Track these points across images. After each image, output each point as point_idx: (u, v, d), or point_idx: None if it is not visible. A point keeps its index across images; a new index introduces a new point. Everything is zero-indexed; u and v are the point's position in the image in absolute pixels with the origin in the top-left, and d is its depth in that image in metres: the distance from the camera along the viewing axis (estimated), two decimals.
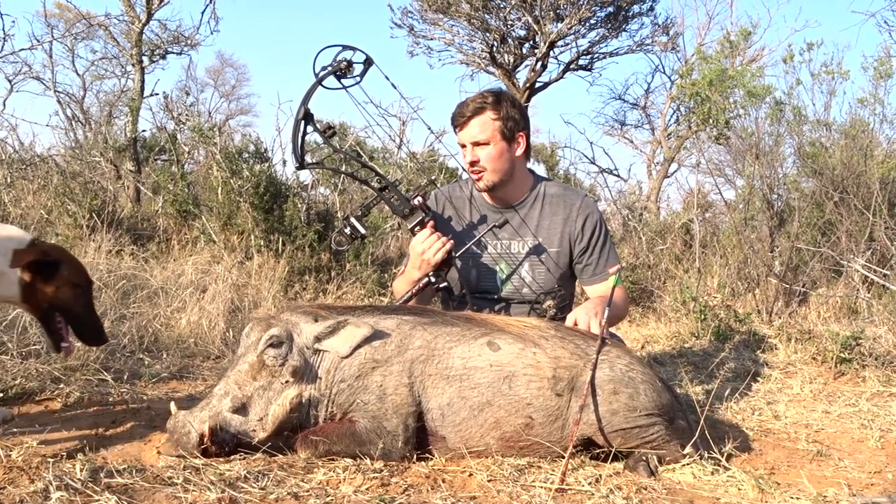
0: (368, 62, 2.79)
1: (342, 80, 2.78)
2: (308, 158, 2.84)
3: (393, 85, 2.99)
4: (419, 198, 2.82)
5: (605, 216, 9.06)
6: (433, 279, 2.80)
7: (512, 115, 2.89)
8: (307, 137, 2.76)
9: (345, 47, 2.76)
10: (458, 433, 2.33)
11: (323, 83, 2.75)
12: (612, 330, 3.12)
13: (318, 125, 2.74)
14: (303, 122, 2.71)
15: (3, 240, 2.23)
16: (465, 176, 3.20)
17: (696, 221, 7.18)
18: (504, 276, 3.03)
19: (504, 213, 3.01)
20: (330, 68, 2.74)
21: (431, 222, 2.82)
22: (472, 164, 2.93)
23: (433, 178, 3.26)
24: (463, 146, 2.97)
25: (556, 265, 3.00)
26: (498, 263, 3.01)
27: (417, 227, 2.82)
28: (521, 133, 2.93)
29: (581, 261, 3.02)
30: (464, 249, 2.87)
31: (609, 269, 2.89)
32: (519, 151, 2.95)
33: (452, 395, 2.33)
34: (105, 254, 4.95)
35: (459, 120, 2.93)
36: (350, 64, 2.76)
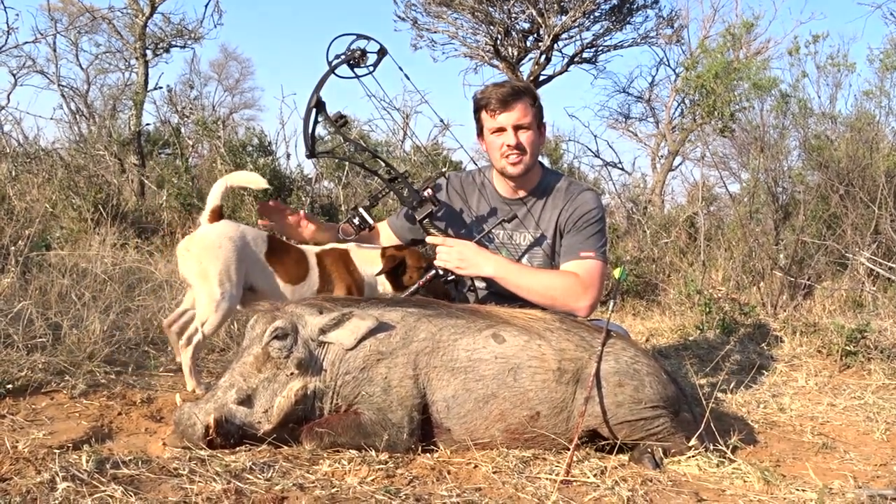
0: (382, 52, 2.77)
1: (355, 70, 2.76)
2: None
3: (406, 76, 2.99)
4: (429, 189, 2.82)
5: (609, 209, 9.03)
6: (441, 272, 2.79)
7: (540, 104, 2.94)
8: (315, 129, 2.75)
9: (359, 36, 2.74)
10: (464, 425, 2.33)
11: (336, 71, 2.73)
12: (617, 322, 3.12)
13: (329, 114, 2.73)
14: (314, 111, 2.70)
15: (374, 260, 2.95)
16: (470, 167, 3.19)
17: (700, 214, 7.15)
18: None
19: (513, 205, 3.00)
20: (343, 57, 2.72)
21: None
22: (516, 147, 2.86)
23: (444, 171, 3.25)
24: (501, 130, 2.88)
25: (552, 255, 2.99)
26: (500, 252, 3.00)
27: (426, 220, 2.82)
28: (544, 121, 2.99)
29: (562, 243, 2.96)
30: (475, 241, 2.86)
31: (582, 252, 2.85)
32: (542, 140, 2.99)
33: (457, 388, 2.33)
34: (110, 247, 4.95)
35: (500, 103, 2.85)
36: (364, 53, 2.74)
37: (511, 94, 2.85)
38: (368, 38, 2.75)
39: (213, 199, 2.83)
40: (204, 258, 2.71)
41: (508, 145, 2.87)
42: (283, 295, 2.82)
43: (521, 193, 3.02)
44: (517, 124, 2.86)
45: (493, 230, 2.94)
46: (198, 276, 2.71)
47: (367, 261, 2.97)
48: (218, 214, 2.83)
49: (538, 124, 2.93)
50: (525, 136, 2.88)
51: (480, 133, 3.00)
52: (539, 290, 2.77)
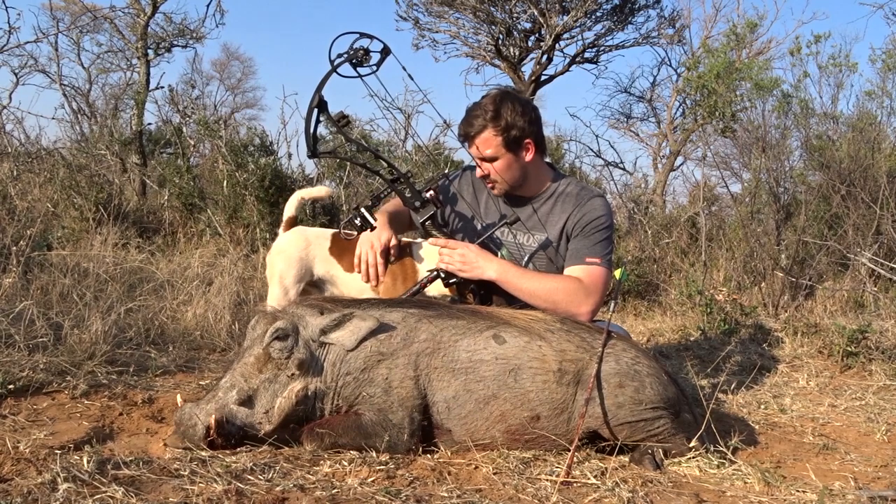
0: (385, 51, 2.74)
1: (358, 69, 2.73)
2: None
3: (409, 75, 2.96)
4: (431, 191, 2.81)
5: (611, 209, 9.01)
6: (443, 274, 2.79)
7: (514, 123, 2.81)
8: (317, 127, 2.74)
9: (362, 35, 2.72)
10: (464, 426, 2.33)
11: (338, 71, 2.70)
12: (618, 322, 3.12)
13: (331, 114, 2.72)
14: (316, 110, 2.68)
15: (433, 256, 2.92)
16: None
17: (702, 215, 7.15)
18: None
19: (520, 207, 2.99)
20: (346, 56, 2.70)
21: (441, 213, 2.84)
22: (485, 177, 2.91)
23: (446, 172, 3.25)
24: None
25: (555, 258, 2.98)
26: (500, 252, 3.00)
27: (428, 222, 2.81)
28: (528, 139, 2.86)
29: (568, 247, 2.95)
30: (477, 243, 2.85)
31: (587, 258, 2.84)
32: (528, 157, 2.88)
33: (458, 388, 2.33)
34: (111, 247, 4.96)
35: (465, 139, 2.91)
36: (367, 52, 2.71)
37: (472, 130, 2.85)
38: (372, 38, 2.72)
39: (288, 210, 3.28)
40: (275, 261, 3.16)
41: (480, 176, 2.95)
42: (343, 283, 3.13)
43: (528, 197, 3.01)
44: (480, 157, 2.89)
45: (497, 232, 2.94)
46: (269, 276, 3.19)
47: (425, 256, 3.02)
48: (291, 223, 3.24)
49: (512, 147, 2.84)
50: (491, 166, 2.87)
51: None
52: (541, 295, 2.76)
